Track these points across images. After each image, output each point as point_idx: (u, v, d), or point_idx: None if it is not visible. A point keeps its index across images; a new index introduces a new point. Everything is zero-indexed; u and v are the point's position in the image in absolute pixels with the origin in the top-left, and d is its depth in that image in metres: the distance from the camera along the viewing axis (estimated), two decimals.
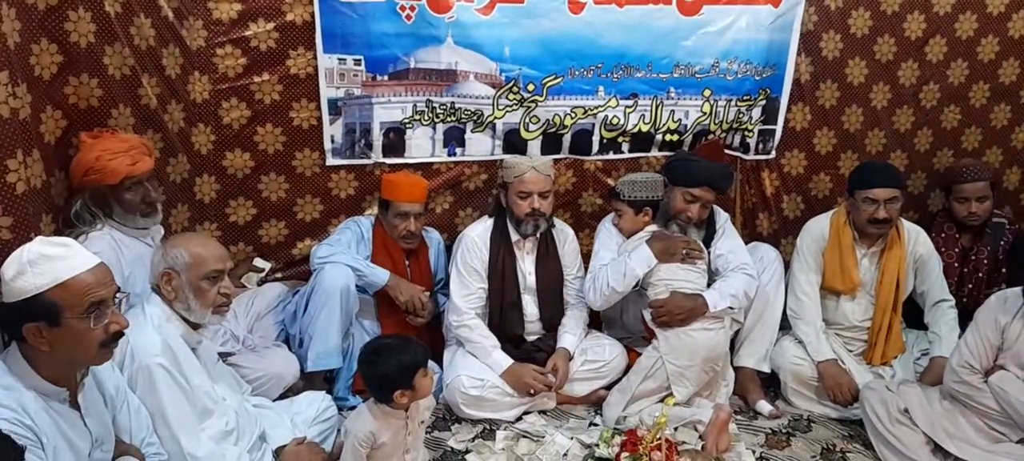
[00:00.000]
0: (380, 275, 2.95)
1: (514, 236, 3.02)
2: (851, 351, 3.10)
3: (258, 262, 3.20)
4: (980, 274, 3.30)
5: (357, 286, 2.90)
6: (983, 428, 2.49)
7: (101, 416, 1.82)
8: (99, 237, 2.38)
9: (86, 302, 1.64)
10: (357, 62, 3.04)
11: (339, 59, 3.01)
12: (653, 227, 3.02)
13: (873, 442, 2.68)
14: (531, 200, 2.93)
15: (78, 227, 2.39)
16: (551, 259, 3.08)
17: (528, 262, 3.05)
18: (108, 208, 2.45)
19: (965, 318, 2.72)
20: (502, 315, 3.00)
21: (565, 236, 3.15)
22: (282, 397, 2.67)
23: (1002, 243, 3.31)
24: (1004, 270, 3.27)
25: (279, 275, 3.27)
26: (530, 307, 3.05)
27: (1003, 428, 2.46)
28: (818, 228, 3.15)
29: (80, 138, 2.46)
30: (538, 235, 3.03)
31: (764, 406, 3.00)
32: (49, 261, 1.63)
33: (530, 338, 3.06)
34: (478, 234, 3.03)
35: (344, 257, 2.90)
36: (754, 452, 2.72)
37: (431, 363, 2.45)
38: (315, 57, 2.99)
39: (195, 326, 2.18)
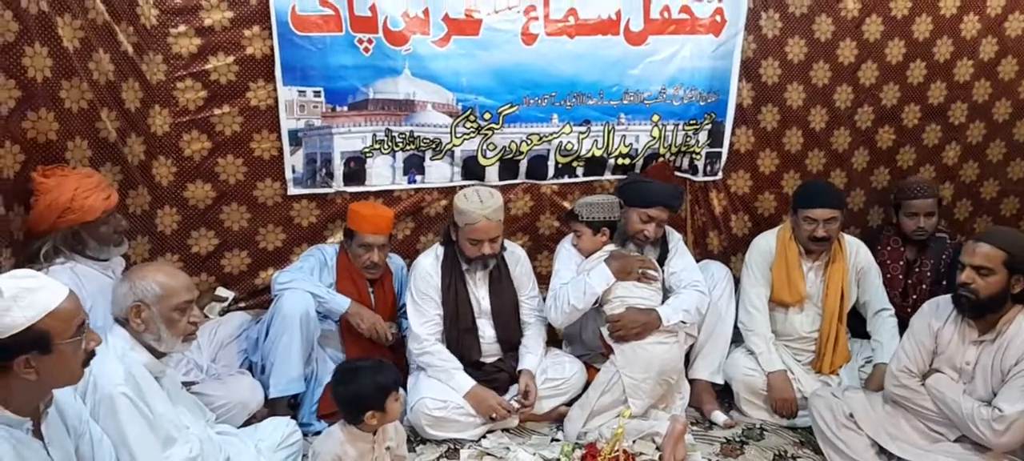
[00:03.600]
0: (341, 302, 2.95)
1: (464, 265, 3.04)
2: (800, 361, 3.20)
3: (221, 292, 3.20)
4: (924, 286, 3.40)
5: (319, 313, 2.91)
6: (923, 429, 2.59)
7: (64, 446, 1.81)
8: (61, 270, 2.38)
9: (74, 325, 1.68)
10: (317, 94, 3.09)
11: (299, 91, 3.07)
12: (611, 247, 3.12)
13: (821, 447, 2.76)
14: (481, 247, 2.95)
15: (40, 264, 2.39)
16: (504, 284, 3.10)
17: (481, 289, 3.08)
18: (82, 245, 2.46)
19: None
20: (459, 340, 3.03)
21: (516, 258, 3.17)
22: (246, 424, 2.67)
23: (943, 257, 3.41)
24: (945, 282, 3.34)
25: (242, 305, 3.28)
26: (487, 331, 3.08)
27: (941, 428, 2.56)
28: (766, 244, 3.26)
29: (35, 180, 2.45)
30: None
31: (719, 416, 3.09)
32: (32, 293, 1.64)
33: (488, 360, 3.09)
34: (429, 263, 3.04)
35: (305, 283, 2.90)
36: None
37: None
38: (275, 89, 3.04)
39: (159, 355, 2.19)
